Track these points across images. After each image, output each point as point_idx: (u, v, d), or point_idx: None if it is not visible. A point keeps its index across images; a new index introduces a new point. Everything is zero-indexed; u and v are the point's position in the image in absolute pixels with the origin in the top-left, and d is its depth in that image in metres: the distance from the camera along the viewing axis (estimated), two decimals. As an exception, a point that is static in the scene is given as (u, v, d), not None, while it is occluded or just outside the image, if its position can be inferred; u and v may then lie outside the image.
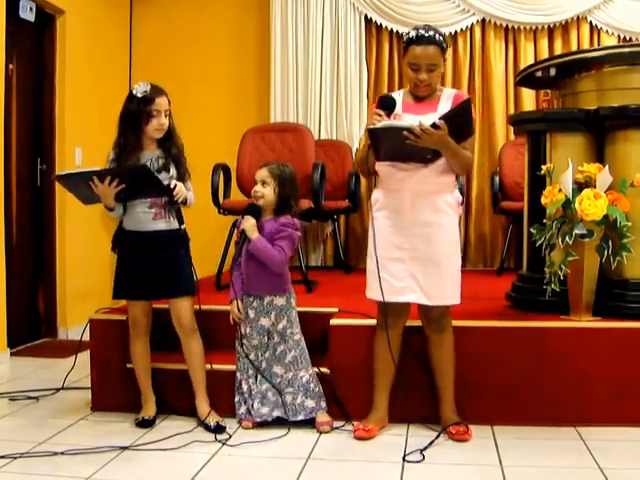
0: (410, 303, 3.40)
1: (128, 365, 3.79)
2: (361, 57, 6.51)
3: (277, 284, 3.58)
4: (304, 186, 5.13)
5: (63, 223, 5.78)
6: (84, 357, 4.04)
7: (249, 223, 3.52)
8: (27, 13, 5.39)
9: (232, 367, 3.67)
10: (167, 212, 3.53)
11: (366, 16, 6.51)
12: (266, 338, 3.58)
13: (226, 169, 5.43)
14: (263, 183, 3.58)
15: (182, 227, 3.55)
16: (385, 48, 6.58)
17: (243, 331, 3.61)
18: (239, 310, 3.59)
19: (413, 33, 3.26)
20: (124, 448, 3.26)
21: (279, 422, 3.55)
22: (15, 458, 3.12)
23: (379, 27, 6.56)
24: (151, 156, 3.52)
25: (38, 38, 5.71)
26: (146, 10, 6.83)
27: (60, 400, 4.04)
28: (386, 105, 3.25)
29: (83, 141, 5.95)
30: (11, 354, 5.05)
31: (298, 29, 6.53)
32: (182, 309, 3.57)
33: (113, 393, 3.83)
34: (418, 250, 3.30)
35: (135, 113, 3.44)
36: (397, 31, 6.48)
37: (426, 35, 3.23)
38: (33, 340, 5.59)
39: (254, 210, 3.57)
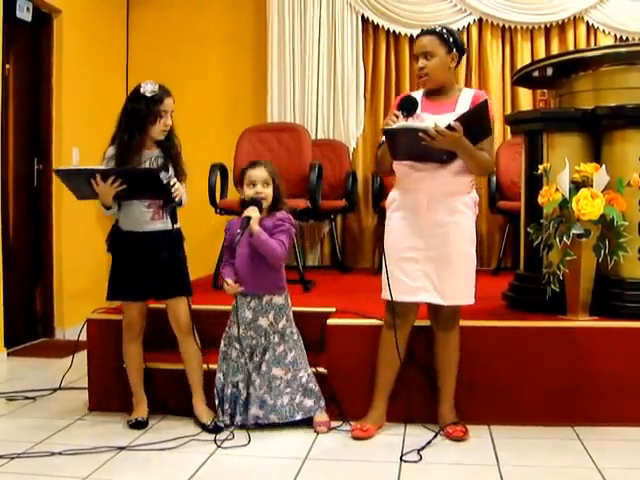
0: (419, 304, 3.41)
1: (125, 365, 3.79)
2: (358, 57, 6.51)
3: (276, 283, 3.56)
4: (301, 186, 5.14)
5: (60, 223, 5.77)
6: (81, 357, 4.03)
7: (256, 214, 3.44)
8: (24, 13, 5.38)
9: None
10: (164, 212, 3.51)
11: (363, 15, 6.51)
12: (263, 339, 3.54)
13: (223, 169, 5.43)
14: (265, 184, 3.54)
15: (175, 226, 3.53)
16: (382, 48, 6.58)
17: (236, 333, 3.55)
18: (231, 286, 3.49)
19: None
20: (121, 448, 3.26)
21: (276, 423, 3.55)
22: (13, 458, 3.11)
23: (376, 27, 6.56)
24: (151, 155, 3.50)
25: (35, 38, 5.70)
26: (143, 10, 6.83)
27: (57, 400, 4.03)
28: (406, 106, 3.24)
29: (80, 141, 5.94)
30: (8, 354, 5.04)
31: (295, 29, 6.52)
32: (180, 309, 3.55)
33: (110, 393, 3.82)
34: (434, 250, 3.29)
35: (143, 112, 3.40)
36: (394, 31, 6.49)
37: (425, 29, 3.34)
38: (30, 340, 5.58)
39: (258, 204, 3.48)
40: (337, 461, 3.17)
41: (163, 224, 3.51)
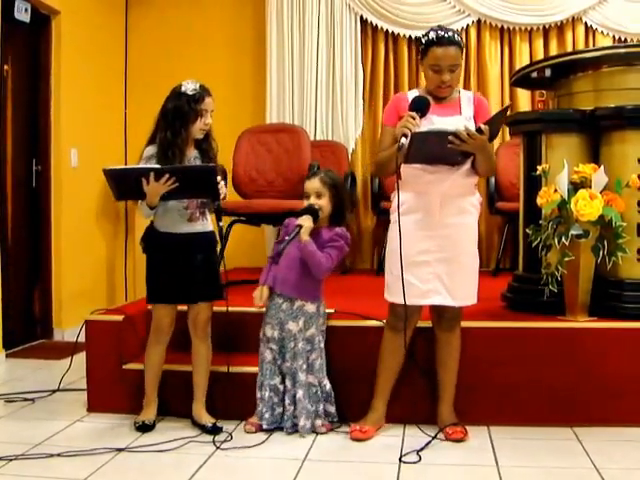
0: (424, 305, 3.41)
1: (124, 366, 3.79)
2: (357, 58, 6.51)
3: (311, 290, 3.54)
4: (300, 187, 5.13)
5: (59, 224, 5.76)
6: (80, 358, 4.03)
7: (308, 224, 3.40)
8: (22, 14, 5.37)
9: (231, 369, 3.63)
10: (201, 213, 3.51)
11: (362, 17, 6.51)
12: (292, 344, 3.50)
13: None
14: (318, 195, 3.50)
15: (220, 224, 3.48)
16: (381, 49, 6.58)
17: (270, 334, 3.54)
18: (263, 298, 3.51)
19: (433, 34, 3.26)
20: (120, 450, 3.26)
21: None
22: (11, 460, 3.11)
23: (375, 28, 6.55)
24: (190, 156, 3.49)
25: (33, 39, 5.69)
26: (142, 11, 6.83)
27: (56, 402, 4.03)
28: (420, 107, 3.22)
29: (79, 142, 5.94)
30: (7, 356, 5.04)
31: (294, 30, 6.52)
32: (203, 313, 3.55)
33: (109, 395, 3.82)
34: (444, 251, 3.30)
35: (185, 110, 3.40)
36: (393, 32, 6.49)
37: (446, 36, 3.24)
38: (29, 341, 5.57)
39: (314, 213, 3.45)
40: (336, 462, 3.17)
41: (201, 225, 3.51)
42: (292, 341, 3.50)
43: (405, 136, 3.09)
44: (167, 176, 3.29)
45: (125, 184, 3.38)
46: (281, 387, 3.53)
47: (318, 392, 3.52)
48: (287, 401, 3.50)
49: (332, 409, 3.56)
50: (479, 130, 3.11)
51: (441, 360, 3.48)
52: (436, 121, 3.26)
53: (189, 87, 3.43)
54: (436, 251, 3.31)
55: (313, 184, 3.53)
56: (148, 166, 3.36)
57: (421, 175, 3.30)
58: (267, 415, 3.51)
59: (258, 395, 3.54)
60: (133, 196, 3.45)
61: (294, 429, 3.48)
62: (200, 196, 3.46)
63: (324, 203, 3.51)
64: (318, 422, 3.51)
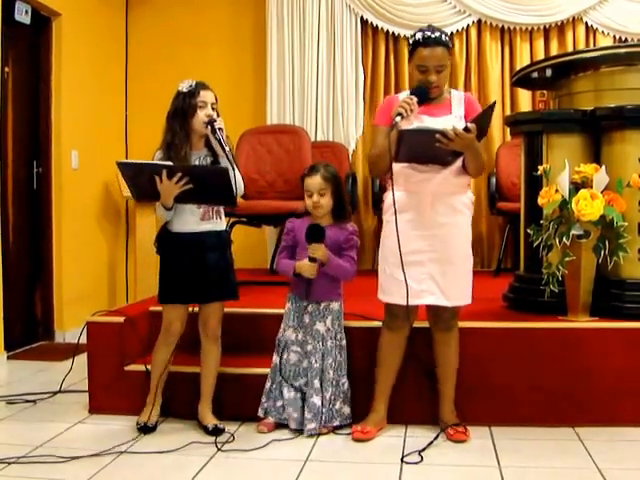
0: (419, 305, 3.40)
1: (125, 368, 3.79)
2: (357, 58, 6.50)
3: (335, 289, 3.57)
4: (301, 188, 5.14)
5: (60, 226, 5.76)
6: (81, 360, 4.02)
7: (321, 252, 3.40)
8: (23, 16, 5.38)
9: (237, 370, 3.66)
10: (215, 212, 3.49)
11: (362, 17, 6.50)
12: (321, 344, 3.50)
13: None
14: (321, 193, 3.49)
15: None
16: (381, 49, 6.57)
17: (293, 338, 3.55)
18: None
19: (419, 35, 3.25)
20: (121, 451, 3.25)
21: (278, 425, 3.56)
22: (12, 462, 3.11)
23: (375, 28, 6.55)
24: (199, 155, 3.47)
25: (34, 41, 5.70)
26: (142, 13, 6.83)
27: (57, 403, 4.03)
28: (418, 93, 3.23)
29: (79, 144, 5.94)
30: (8, 357, 5.03)
31: (294, 31, 6.52)
32: (213, 314, 3.54)
33: (110, 396, 3.81)
34: (436, 251, 3.30)
35: (181, 107, 3.41)
36: (393, 32, 6.49)
37: (433, 36, 3.23)
38: (30, 343, 5.57)
39: (320, 233, 3.40)
40: (338, 463, 3.17)
41: (213, 224, 3.49)
42: (320, 341, 3.50)
43: (400, 115, 3.12)
44: (179, 175, 3.27)
45: (139, 181, 3.36)
46: (300, 389, 3.52)
47: (325, 388, 3.49)
48: (302, 401, 3.50)
49: (347, 410, 3.54)
50: (466, 129, 3.09)
51: (440, 361, 3.48)
52: (427, 121, 3.26)
53: (185, 85, 3.44)
54: (428, 251, 3.30)
55: (315, 182, 3.50)
56: (161, 162, 3.34)
57: (412, 174, 3.30)
58: (295, 414, 3.49)
59: (270, 396, 3.54)
60: (150, 195, 3.36)
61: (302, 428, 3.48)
62: (214, 201, 3.44)
63: (327, 201, 3.51)
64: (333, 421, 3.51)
